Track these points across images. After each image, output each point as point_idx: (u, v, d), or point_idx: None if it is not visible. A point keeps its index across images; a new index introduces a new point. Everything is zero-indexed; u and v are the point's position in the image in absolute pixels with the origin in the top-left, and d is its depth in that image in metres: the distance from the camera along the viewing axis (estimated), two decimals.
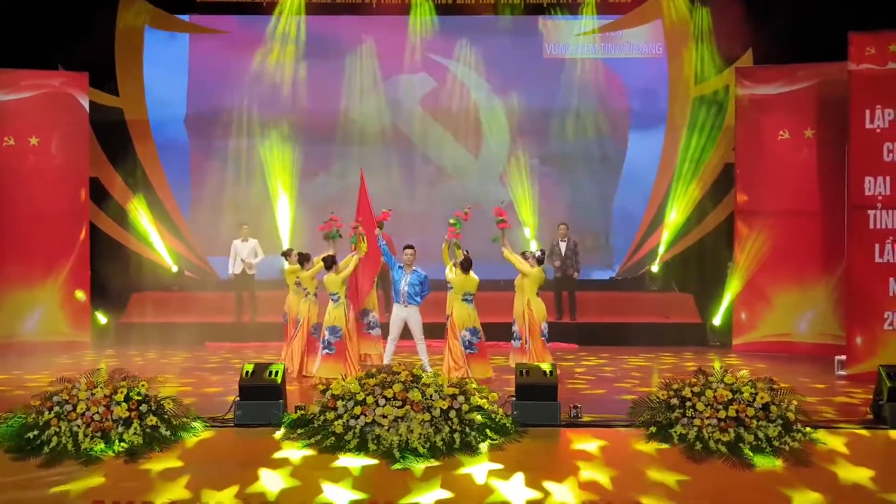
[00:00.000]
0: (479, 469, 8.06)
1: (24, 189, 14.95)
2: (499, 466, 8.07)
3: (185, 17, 18.01)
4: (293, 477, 8.02)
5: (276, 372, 9.02)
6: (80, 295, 15.16)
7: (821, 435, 8.39)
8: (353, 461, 8.11)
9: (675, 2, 17.29)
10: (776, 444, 8.20)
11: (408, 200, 17.73)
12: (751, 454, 8.13)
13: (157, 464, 8.13)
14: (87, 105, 15.72)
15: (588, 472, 8.05)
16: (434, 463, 8.05)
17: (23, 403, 8.76)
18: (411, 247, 11.92)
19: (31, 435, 8.29)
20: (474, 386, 8.91)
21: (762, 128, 14.98)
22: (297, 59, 17.82)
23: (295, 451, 8.30)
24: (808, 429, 8.36)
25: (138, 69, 17.63)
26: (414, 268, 11.81)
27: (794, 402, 8.51)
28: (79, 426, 8.29)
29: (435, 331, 12.33)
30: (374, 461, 8.09)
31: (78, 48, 16.08)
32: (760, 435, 8.24)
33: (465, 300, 11.70)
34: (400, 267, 11.85)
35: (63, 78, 15.61)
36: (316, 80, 17.94)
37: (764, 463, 8.09)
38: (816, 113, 14.59)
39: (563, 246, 15.86)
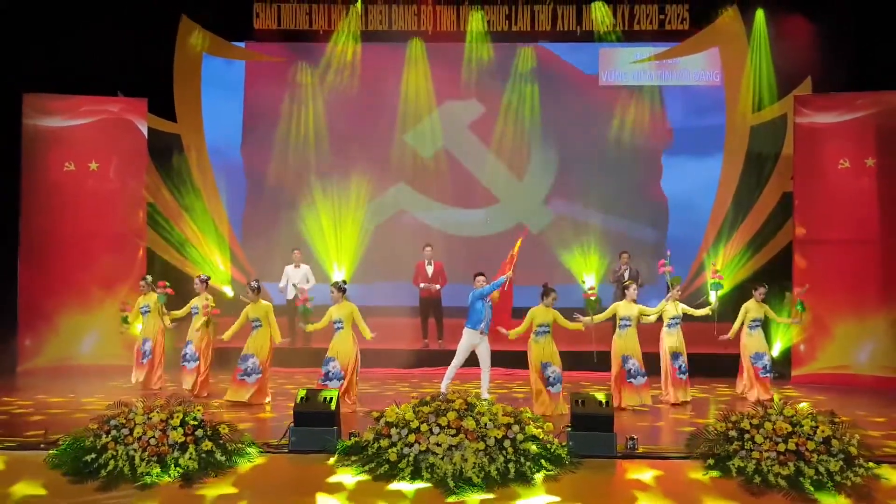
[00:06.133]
0: (534, 500, 7.97)
1: (82, 213, 15.18)
2: (555, 498, 7.98)
3: (242, 45, 18.20)
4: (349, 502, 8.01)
5: (331, 398, 9.02)
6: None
7: (884, 471, 8.22)
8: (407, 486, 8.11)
9: (733, 29, 17.16)
10: (838, 478, 8.04)
11: (458, 224, 17.81)
12: (812, 489, 7.97)
13: (212, 489, 8.15)
14: (145, 130, 15.92)
15: None
16: (489, 495, 7.98)
17: (80, 426, 8.84)
18: (482, 274, 11.91)
19: (88, 458, 8.37)
20: (529, 415, 8.84)
21: (821, 156, 14.79)
22: (351, 86, 17.94)
23: (349, 477, 8.29)
24: (871, 464, 8.20)
25: (196, 95, 17.82)
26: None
27: (857, 436, 8.34)
28: (135, 450, 8.35)
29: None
30: (428, 484, 8.07)
31: (137, 74, 16.33)
32: (821, 469, 8.09)
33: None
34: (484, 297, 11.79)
35: (122, 104, 15.83)
36: (370, 107, 18.07)
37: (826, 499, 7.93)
38: (877, 142, 14.39)
39: (626, 274, 15.71)
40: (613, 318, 12.25)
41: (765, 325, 15.17)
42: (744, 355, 12.89)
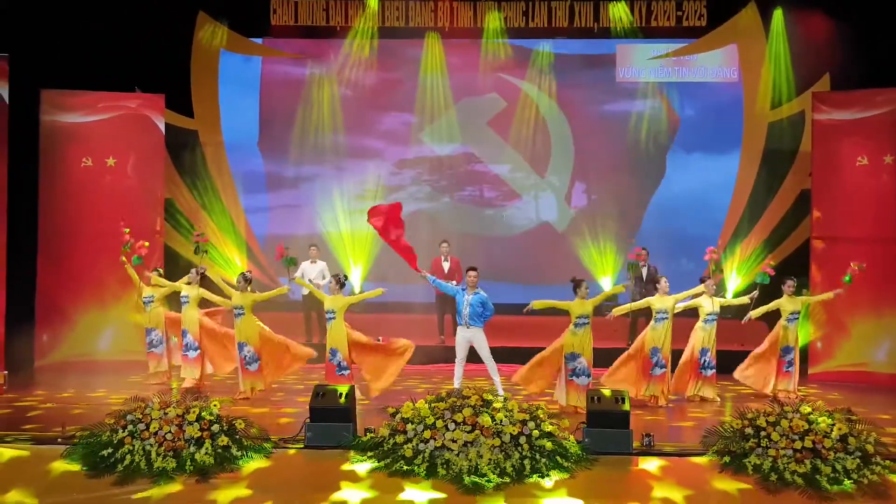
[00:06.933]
0: (549, 497, 7.97)
1: (100, 209, 15.16)
2: (571, 497, 7.96)
3: (259, 41, 18.23)
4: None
5: (346, 394, 9.04)
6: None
7: None
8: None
9: (751, 26, 17.10)
10: (854, 476, 8.02)
11: (477, 222, 17.84)
12: (828, 486, 7.95)
13: (228, 485, 8.16)
14: (163, 127, 15.92)
15: (660, 503, 7.93)
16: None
17: (98, 422, 8.87)
18: (475, 268, 11.91)
19: (105, 453, 8.42)
20: (544, 412, 8.83)
21: (839, 153, 14.70)
22: (368, 82, 17.95)
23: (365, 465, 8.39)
24: (887, 462, 8.16)
25: (213, 91, 17.86)
26: (477, 289, 11.75)
27: (874, 434, 8.31)
28: (151, 445, 8.39)
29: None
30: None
31: (154, 70, 16.36)
32: (838, 467, 8.07)
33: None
34: (462, 289, 11.81)
35: (140, 100, 15.85)
36: (388, 103, 18.09)
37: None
38: (895, 139, 14.29)
39: (644, 271, 15.65)
40: (649, 311, 12.26)
41: None
42: (775, 347, 12.81)
